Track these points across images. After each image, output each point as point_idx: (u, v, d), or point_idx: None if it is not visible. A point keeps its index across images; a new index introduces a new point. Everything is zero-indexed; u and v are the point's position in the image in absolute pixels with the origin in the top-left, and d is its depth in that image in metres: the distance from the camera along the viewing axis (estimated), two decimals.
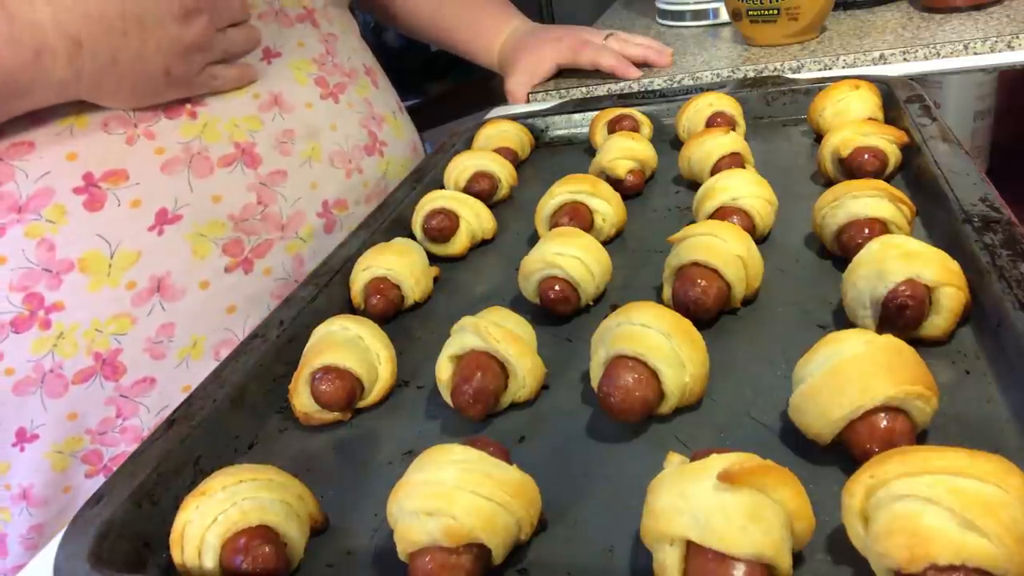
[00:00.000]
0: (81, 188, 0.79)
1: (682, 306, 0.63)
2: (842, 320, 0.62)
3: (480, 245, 0.91)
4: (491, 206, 0.94)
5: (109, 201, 0.80)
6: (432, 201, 0.88)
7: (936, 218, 0.70)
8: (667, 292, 0.68)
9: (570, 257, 0.70)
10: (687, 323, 0.56)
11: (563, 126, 1.16)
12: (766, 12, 1.38)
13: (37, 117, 0.79)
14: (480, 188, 0.96)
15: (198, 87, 0.86)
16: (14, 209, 0.77)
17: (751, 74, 1.34)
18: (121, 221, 0.81)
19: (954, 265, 0.57)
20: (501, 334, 0.59)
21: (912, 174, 0.81)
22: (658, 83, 1.37)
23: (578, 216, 0.81)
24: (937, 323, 0.57)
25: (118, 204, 0.81)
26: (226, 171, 0.87)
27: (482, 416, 0.59)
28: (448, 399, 0.61)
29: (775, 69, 1.32)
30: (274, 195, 0.91)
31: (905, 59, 1.26)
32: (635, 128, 1.03)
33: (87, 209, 0.79)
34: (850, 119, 0.88)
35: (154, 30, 0.78)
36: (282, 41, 0.97)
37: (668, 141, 1.06)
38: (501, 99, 1.45)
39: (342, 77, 1.03)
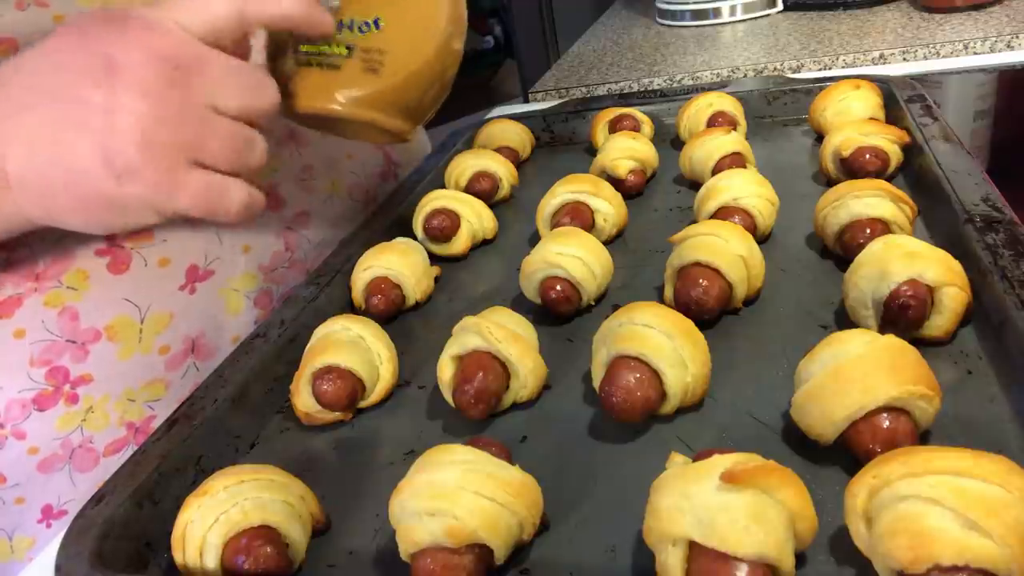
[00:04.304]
0: (104, 250, 0.72)
1: (684, 306, 0.63)
2: (844, 320, 0.62)
3: (481, 245, 0.90)
4: (492, 206, 0.94)
5: (135, 262, 0.74)
6: (433, 201, 0.88)
7: (938, 218, 0.70)
8: (668, 292, 0.67)
9: (571, 257, 0.69)
10: (689, 323, 0.56)
11: (563, 126, 1.16)
12: None
13: None
14: (481, 188, 0.96)
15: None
16: (31, 277, 0.70)
17: (751, 74, 1.34)
18: (150, 282, 0.75)
19: (956, 265, 0.57)
20: (503, 334, 0.59)
21: (914, 174, 0.81)
22: (658, 83, 1.37)
23: (579, 216, 0.81)
24: (939, 323, 0.57)
25: (145, 264, 0.74)
26: None
27: (484, 416, 0.59)
28: (449, 399, 0.60)
29: (775, 69, 1.33)
30: (300, 239, 0.88)
31: (905, 59, 1.26)
32: (636, 128, 1.03)
33: (112, 272, 0.73)
34: (851, 119, 0.88)
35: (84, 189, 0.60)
36: None
37: (669, 141, 1.06)
38: (501, 99, 1.45)
39: None
